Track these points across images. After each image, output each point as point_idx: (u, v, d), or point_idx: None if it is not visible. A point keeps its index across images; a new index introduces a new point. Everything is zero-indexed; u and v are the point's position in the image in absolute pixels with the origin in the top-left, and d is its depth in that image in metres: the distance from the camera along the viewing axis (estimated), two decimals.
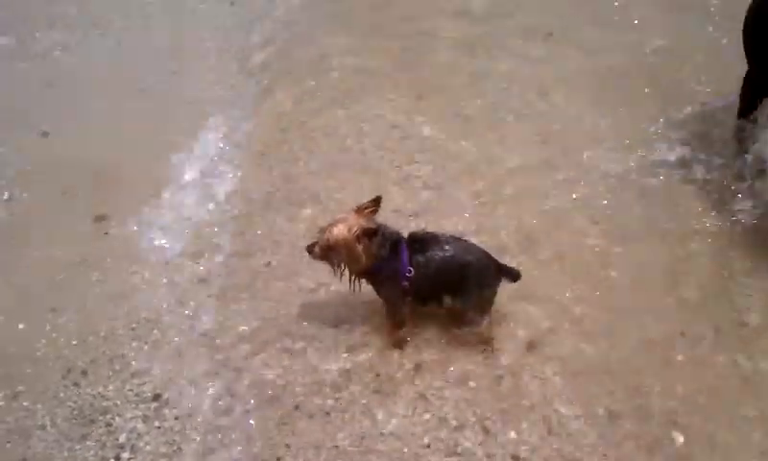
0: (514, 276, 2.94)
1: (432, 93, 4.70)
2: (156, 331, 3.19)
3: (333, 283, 3.12)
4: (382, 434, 2.75)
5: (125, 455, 2.72)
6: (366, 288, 2.97)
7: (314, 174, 4.05)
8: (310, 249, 2.88)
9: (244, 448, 2.73)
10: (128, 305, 3.31)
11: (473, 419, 2.78)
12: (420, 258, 2.85)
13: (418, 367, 2.96)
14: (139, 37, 5.71)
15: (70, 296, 3.36)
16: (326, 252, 2.83)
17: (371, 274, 2.91)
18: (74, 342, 3.13)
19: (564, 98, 4.55)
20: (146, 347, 3.13)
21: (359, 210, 2.82)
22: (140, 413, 2.87)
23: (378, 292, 3.00)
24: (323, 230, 2.82)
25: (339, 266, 2.88)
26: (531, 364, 2.95)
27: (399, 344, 3.04)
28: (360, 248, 2.75)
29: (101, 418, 2.85)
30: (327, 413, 2.83)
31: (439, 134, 4.31)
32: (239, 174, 4.11)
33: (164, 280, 3.44)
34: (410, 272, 2.83)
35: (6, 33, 5.73)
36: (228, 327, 3.20)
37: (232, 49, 5.44)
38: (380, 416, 2.81)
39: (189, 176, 4.10)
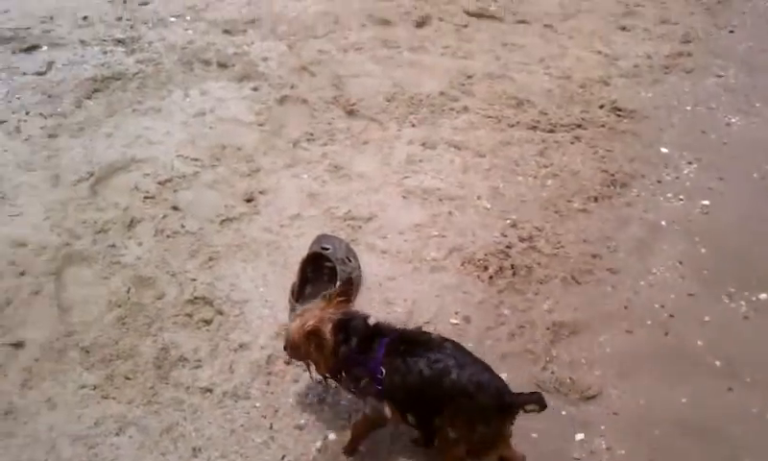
0: (537, 403, 2.19)
1: None
2: None
3: None
4: None
5: None
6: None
7: None
8: (285, 347, 2.55)
9: None
10: None
11: None
12: (399, 361, 2.31)
13: None
14: None
15: None
16: (292, 351, 2.50)
17: (338, 372, 2.45)
18: None
19: None
20: None
21: (328, 299, 2.43)
22: None
23: (351, 393, 2.52)
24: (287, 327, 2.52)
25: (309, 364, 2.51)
26: None
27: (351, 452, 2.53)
28: (312, 346, 2.35)
29: None
30: None
31: None
32: None
33: None
34: (381, 373, 2.31)
35: None
36: None
37: None
38: None
39: None
